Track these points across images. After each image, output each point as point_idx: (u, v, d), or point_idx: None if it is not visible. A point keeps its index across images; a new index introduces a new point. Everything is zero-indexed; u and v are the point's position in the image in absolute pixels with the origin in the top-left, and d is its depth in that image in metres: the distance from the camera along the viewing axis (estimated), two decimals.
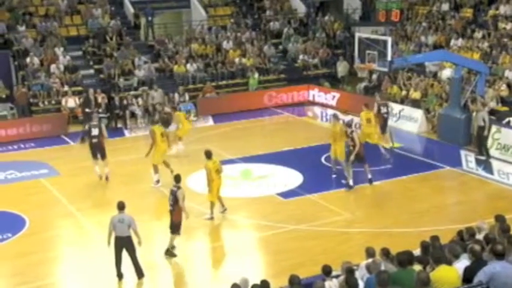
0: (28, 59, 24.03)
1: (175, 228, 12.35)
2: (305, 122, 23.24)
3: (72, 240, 13.71)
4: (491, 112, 19.43)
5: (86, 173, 17.28)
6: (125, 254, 11.41)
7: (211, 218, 14.15)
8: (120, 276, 11.50)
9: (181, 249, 13.35)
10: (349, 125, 15.72)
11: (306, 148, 19.63)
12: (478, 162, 16.75)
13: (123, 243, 11.29)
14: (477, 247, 7.70)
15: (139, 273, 11.48)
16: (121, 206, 11.37)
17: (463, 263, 7.67)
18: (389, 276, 7.16)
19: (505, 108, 20.01)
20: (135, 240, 11.40)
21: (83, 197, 15.81)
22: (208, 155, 14.01)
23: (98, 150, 16.68)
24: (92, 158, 16.83)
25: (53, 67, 24.07)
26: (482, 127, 17.35)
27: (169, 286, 12.07)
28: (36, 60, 24.09)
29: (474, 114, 19.06)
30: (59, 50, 24.89)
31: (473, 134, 19.08)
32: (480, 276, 7.04)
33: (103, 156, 16.84)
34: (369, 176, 15.81)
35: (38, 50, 24.73)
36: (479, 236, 9.06)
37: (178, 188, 12.32)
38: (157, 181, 16.34)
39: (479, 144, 17.55)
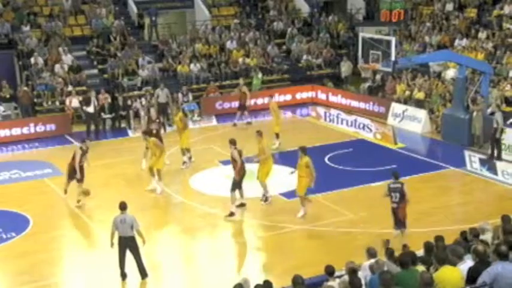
0: (32, 59, 24.07)
1: (401, 224, 12.35)
2: (309, 122, 23.23)
3: (75, 240, 13.74)
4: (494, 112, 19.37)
5: (90, 173, 17.26)
6: (129, 254, 11.41)
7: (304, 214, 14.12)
8: (123, 276, 11.51)
9: (184, 249, 13.38)
10: (231, 142, 14.58)
11: (310, 148, 19.54)
12: (482, 162, 16.69)
13: (126, 244, 11.28)
14: (481, 248, 7.68)
15: (143, 274, 11.48)
16: (123, 207, 11.37)
17: (466, 263, 7.66)
18: (392, 277, 7.15)
19: (510, 109, 19.95)
20: (139, 240, 11.39)
21: (87, 197, 15.81)
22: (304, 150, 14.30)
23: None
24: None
25: (57, 67, 24.11)
26: (496, 128, 17.19)
27: (173, 286, 12.08)
28: (40, 60, 24.13)
29: (474, 114, 19.04)
30: (63, 50, 24.94)
31: (475, 134, 19.08)
32: (484, 277, 7.02)
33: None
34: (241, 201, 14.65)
35: (42, 50, 24.78)
36: (483, 237, 9.04)
37: (402, 184, 12.37)
38: (184, 162, 17.41)
39: (492, 145, 17.39)
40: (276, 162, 18.02)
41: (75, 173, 15.15)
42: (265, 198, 14.88)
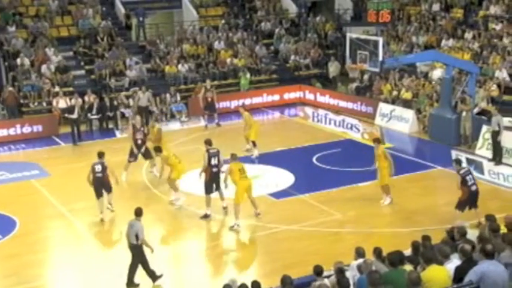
0: (18, 60, 23.90)
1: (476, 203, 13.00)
2: (297, 123, 23.28)
3: (63, 242, 13.65)
4: (482, 112, 19.53)
5: (77, 174, 17.17)
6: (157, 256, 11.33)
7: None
8: (154, 278, 11.32)
9: (172, 250, 13.34)
10: (206, 142, 14.44)
11: (298, 148, 19.66)
12: (469, 162, 16.79)
13: (131, 250, 11.17)
14: (467, 247, 7.73)
15: (129, 284, 11.22)
16: (137, 213, 11.22)
17: (453, 262, 7.71)
18: (380, 276, 7.18)
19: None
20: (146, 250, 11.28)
21: (74, 198, 15.73)
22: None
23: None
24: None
25: (43, 68, 23.96)
26: (497, 132, 17.09)
27: (162, 286, 12.03)
28: (26, 61, 23.96)
29: (463, 114, 19.16)
30: (50, 51, 24.79)
31: (464, 134, 19.19)
32: (470, 275, 7.07)
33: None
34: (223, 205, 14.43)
35: (29, 50, 24.62)
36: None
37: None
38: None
39: (494, 149, 17.35)
40: (264, 162, 18.09)
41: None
42: (233, 226, 13.71)
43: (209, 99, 22.25)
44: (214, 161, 14.03)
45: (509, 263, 7.66)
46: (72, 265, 12.53)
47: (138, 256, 11.14)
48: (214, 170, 14.03)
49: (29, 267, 12.31)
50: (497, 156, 17.16)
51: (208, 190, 14.16)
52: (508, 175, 15.96)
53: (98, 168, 14.24)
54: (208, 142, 14.40)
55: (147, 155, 17.01)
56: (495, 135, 17.17)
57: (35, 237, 13.67)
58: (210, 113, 22.37)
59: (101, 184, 14.24)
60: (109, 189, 14.50)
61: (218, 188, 14.25)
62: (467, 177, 12.97)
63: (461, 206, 13.03)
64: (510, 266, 7.63)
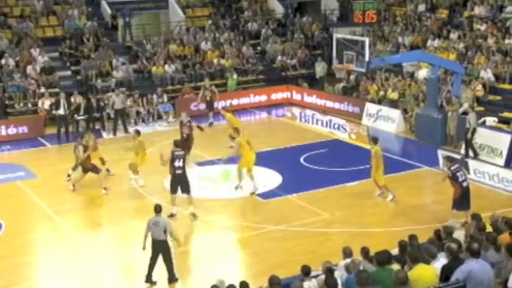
0: (3, 60, 23.72)
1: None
2: (284, 123, 23.31)
3: (49, 244, 13.57)
4: (467, 112, 19.66)
5: (63, 176, 17.09)
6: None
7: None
8: (149, 279, 11.31)
9: None
10: (175, 144, 14.74)
11: (285, 149, 19.69)
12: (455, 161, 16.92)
13: (159, 247, 11.13)
14: (454, 246, 7.79)
15: (171, 278, 11.32)
16: (157, 209, 11.19)
17: (440, 261, 7.76)
18: (368, 276, 7.22)
19: (481, 108, 20.29)
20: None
21: (61, 199, 15.65)
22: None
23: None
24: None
25: (29, 68, 23.78)
26: (468, 129, 17.62)
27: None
28: (11, 62, 23.78)
29: (450, 114, 19.31)
30: (35, 51, 24.61)
31: (449, 134, 19.36)
32: (457, 274, 7.13)
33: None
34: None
35: (14, 51, 24.44)
36: (454, 235, 9.17)
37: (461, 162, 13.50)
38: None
39: (466, 145, 17.80)
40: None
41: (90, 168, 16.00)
42: (237, 186, 15.54)
43: (207, 98, 22.65)
44: (178, 163, 14.02)
45: (495, 261, 7.75)
46: (60, 267, 12.44)
47: (166, 251, 11.14)
48: (178, 171, 14.02)
49: (15, 269, 12.21)
50: (472, 151, 17.63)
51: (172, 190, 14.23)
52: (493, 174, 16.09)
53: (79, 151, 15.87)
54: (175, 144, 14.59)
55: (188, 149, 17.19)
56: (467, 132, 17.65)
57: (21, 240, 13.57)
58: (207, 112, 22.70)
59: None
60: (89, 170, 15.89)
61: (187, 191, 14.23)
62: (458, 174, 13.01)
63: (457, 205, 13.00)
64: (496, 264, 7.71)
